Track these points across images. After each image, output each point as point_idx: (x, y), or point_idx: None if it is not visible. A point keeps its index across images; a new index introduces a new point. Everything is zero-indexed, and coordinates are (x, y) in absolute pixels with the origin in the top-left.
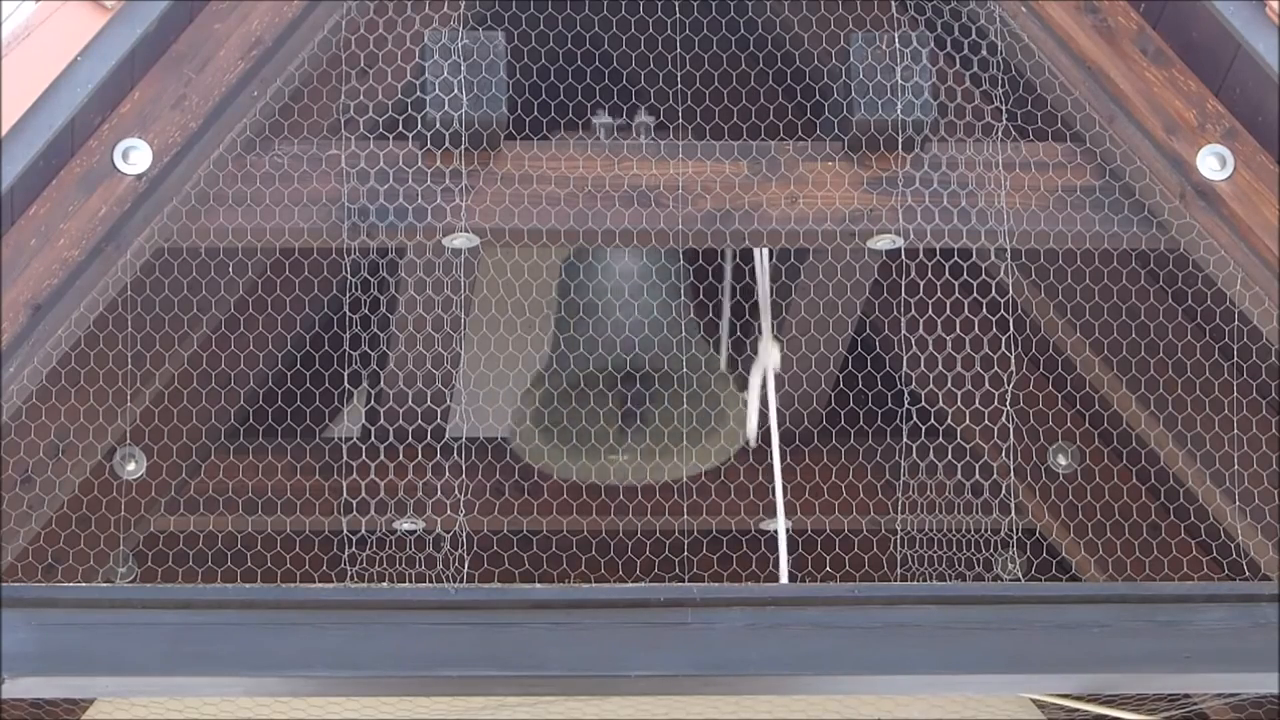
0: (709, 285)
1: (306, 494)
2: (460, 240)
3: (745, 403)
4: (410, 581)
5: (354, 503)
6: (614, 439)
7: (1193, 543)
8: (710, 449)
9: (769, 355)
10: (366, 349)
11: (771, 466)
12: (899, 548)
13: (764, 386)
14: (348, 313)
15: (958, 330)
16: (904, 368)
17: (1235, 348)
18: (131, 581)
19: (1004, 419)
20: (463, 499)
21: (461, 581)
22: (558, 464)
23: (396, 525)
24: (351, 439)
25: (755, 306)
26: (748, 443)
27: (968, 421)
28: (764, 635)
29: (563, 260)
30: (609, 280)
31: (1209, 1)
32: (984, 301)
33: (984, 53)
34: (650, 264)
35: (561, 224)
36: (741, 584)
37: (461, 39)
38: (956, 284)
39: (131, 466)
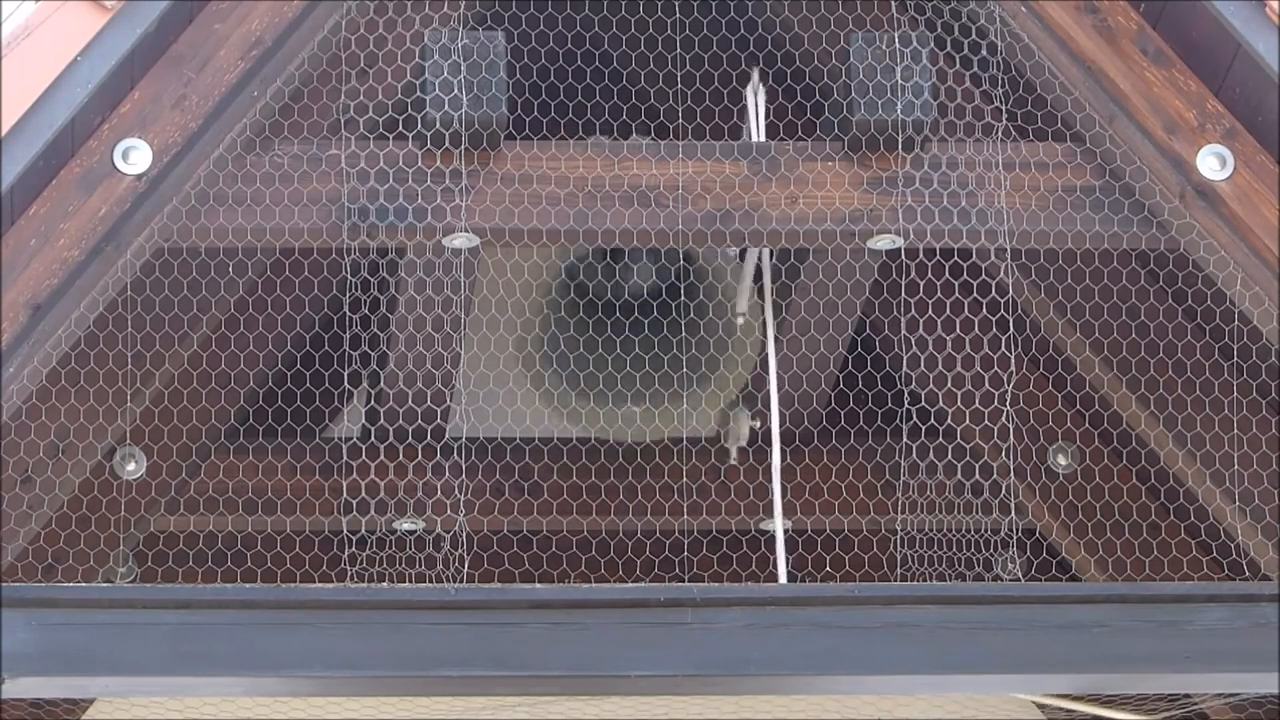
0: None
1: (306, 494)
2: (460, 240)
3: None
4: (410, 581)
5: (354, 503)
6: (622, 385)
7: (1193, 543)
8: (720, 394)
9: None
10: (366, 349)
11: (771, 467)
12: (899, 548)
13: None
14: (348, 313)
15: (958, 330)
16: (904, 368)
17: (1235, 348)
18: (131, 581)
19: (1004, 419)
20: (463, 499)
21: (461, 581)
22: (567, 409)
23: (396, 525)
24: (351, 439)
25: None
26: (742, 321)
27: (968, 421)
28: (764, 635)
29: (562, 261)
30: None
31: (1209, 1)
32: (984, 301)
33: (984, 53)
34: (649, 264)
35: (561, 224)
36: (741, 584)
37: (461, 39)
38: (956, 284)
39: (131, 466)
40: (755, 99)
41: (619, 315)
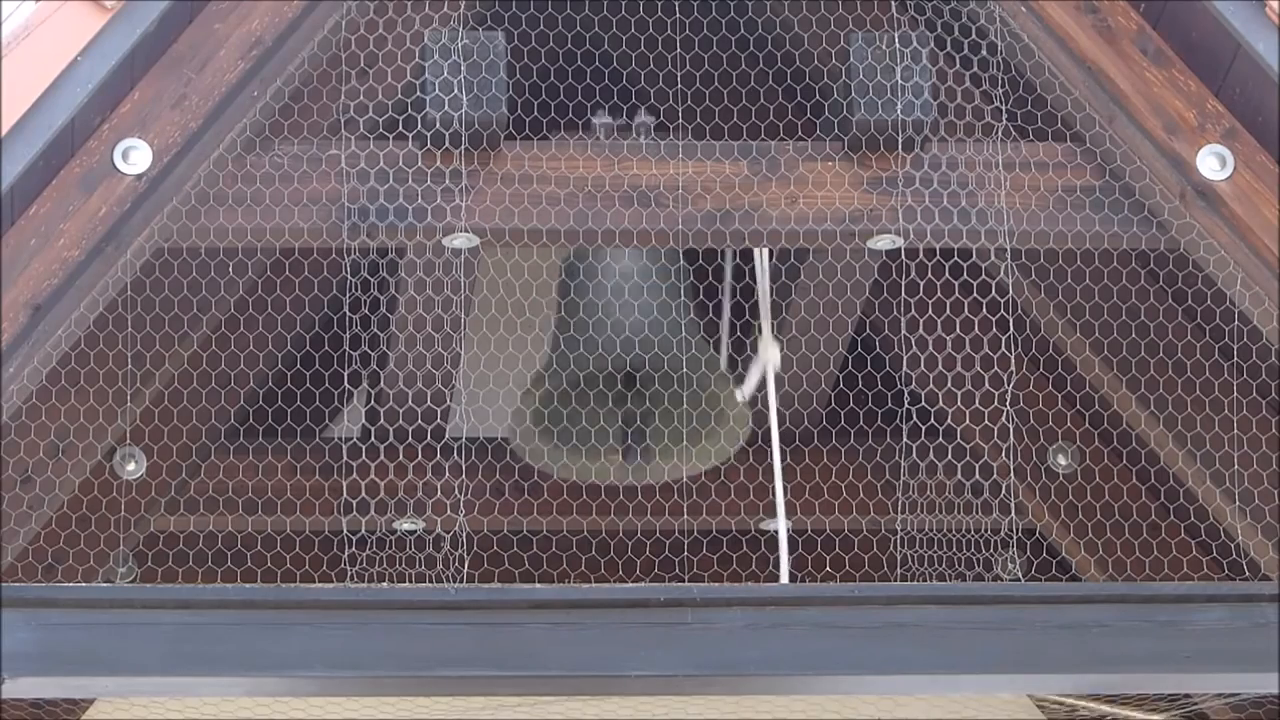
0: (709, 285)
1: (306, 494)
2: (460, 240)
3: (745, 381)
4: (410, 581)
5: (354, 503)
6: (614, 439)
7: (1193, 543)
8: (710, 449)
9: (768, 354)
10: (366, 349)
11: (771, 467)
12: (899, 548)
13: (763, 381)
14: (348, 313)
15: (958, 330)
16: (904, 368)
17: (1235, 348)
18: (131, 581)
19: (1004, 419)
20: (463, 499)
21: (461, 581)
22: (558, 464)
23: (396, 525)
24: (351, 439)
25: (755, 306)
26: (743, 400)
27: (968, 421)
28: (764, 635)
29: (563, 260)
30: (609, 281)
31: (1209, 1)
32: (984, 301)
33: (984, 53)
34: (650, 264)
35: (561, 224)
36: (741, 584)
37: (461, 39)
38: (956, 284)
39: (131, 466)
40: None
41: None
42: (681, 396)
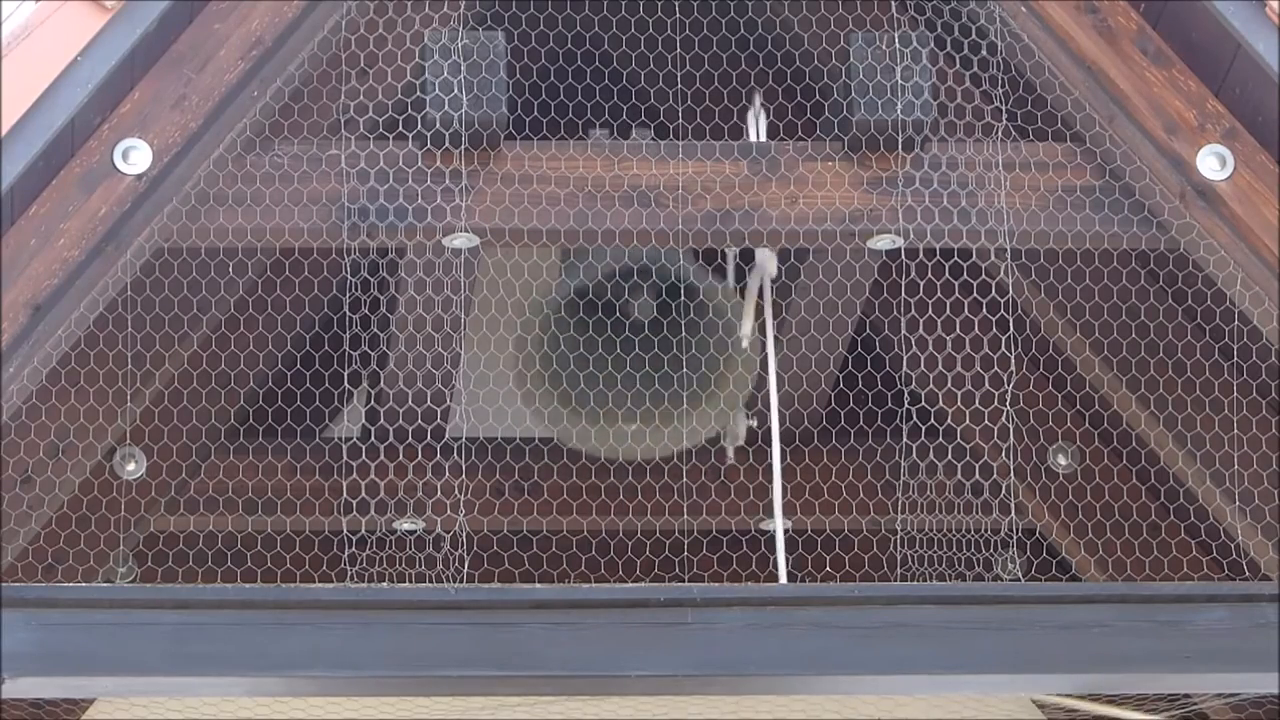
0: None
1: (306, 494)
2: (460, 240)
3: (742, 309)
4: (410, 581)
5: (354, 503)
6: (614, 403)
7: (1193, 543)
8: (711, 412)
9: (766, 265)
10: (366, 349)
11: (771, 467)
12: (899, 548)
13: (760, 296)
14: (348, 313)
15: (958, 330)
16: (904, 368)
17: (1235, 348)
18: (131, 581)
19: (1004, 419)
20: (463, 499)
21: (461, 581)
22: (576, 428)
23: (396, 525)
24: (351, 439)
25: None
26: (745, 348)
27: (968, 421)
28: (764, 635)
29: (571, 280)
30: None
31: (1209, 1)
32: (984, 301)
33: (984, 53)
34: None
35: (561, 224)
36: (741, 584)
37: (461, 39)
38: (956, 284)
39: (131, 466)
40: (757, 119)
41: (619, 338)
42: (694, 337)
